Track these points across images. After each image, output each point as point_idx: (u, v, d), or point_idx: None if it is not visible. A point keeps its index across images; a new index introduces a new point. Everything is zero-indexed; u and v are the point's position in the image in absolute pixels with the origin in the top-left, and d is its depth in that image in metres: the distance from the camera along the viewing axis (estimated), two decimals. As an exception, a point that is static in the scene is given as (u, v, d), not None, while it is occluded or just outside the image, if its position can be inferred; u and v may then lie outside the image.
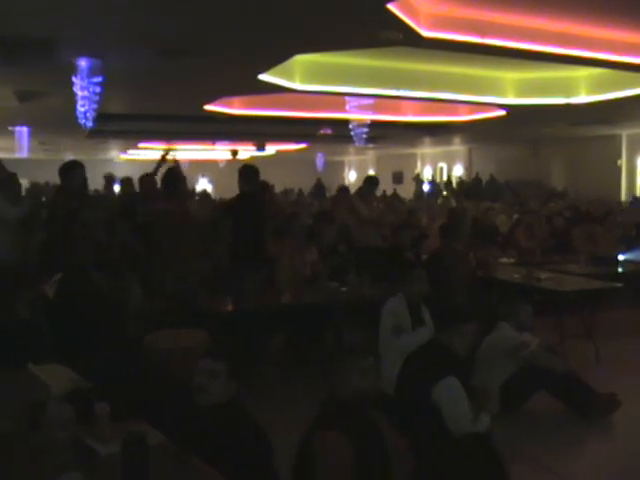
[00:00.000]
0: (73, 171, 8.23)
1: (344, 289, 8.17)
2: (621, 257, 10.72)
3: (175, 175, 8.48)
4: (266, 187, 10.40)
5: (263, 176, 10.44)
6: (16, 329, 6.13)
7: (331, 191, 27.10)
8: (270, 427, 3.87)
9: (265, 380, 7.18)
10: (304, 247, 8.65)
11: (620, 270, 10.18)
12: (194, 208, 10.29)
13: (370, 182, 11.04)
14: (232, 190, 9.28)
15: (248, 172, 8.66)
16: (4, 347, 5.71)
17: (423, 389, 4.34)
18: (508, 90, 15.45)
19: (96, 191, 26.54)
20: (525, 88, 15.36)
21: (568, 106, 15.47)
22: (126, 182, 11.09)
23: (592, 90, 14.89)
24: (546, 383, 6.28)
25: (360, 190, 11.09)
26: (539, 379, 6.27)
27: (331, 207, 11.54)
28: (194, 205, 12.78)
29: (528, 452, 5.54)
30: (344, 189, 12.37)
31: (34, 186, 7.72)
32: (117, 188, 13.12)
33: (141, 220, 8.50)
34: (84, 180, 8.41)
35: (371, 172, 36.62)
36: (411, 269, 6.55)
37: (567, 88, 15.00)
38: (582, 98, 15.18)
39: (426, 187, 32.41)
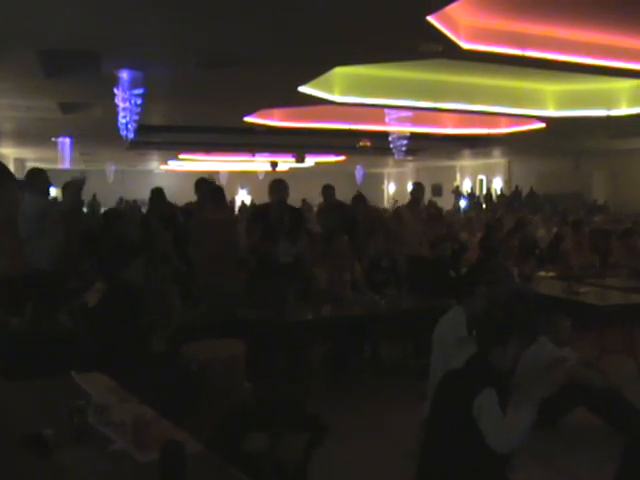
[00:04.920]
0: None
1: (383, 302, 8.19)
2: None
3: (221, 187, 8.68)
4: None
5: (303, 188, 10.54)
6: (58, 337, 6.23)
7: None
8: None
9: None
10: (346, 263, 8.62)
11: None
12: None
13: (416, 191, 11.11)
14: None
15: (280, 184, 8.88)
16: (47, 355, 5.81)
17: (464, 403, 4.23)
18: (548, 102, 15.36)
19: (134, 202, 26.82)
20: (565, 100, 15.25)
21: (609, 118, 15.34)
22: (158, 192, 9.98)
23: (633, 102, 14.69)
24: (585, 399, 6.20)
25: (410, 202, 11.06)
26: (578, 395, 6.19)
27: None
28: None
29: (566, 467, 5.50)
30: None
31: (74, 182, 7.56)
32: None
33: (189, 230, 8.61)
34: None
35: (410, 184, 36.63)
36: (478, 285, 6.50)
37: (608, 100, 14.83)
38: (623, 110, 14.98)
39: (463, 203, 32.33)
